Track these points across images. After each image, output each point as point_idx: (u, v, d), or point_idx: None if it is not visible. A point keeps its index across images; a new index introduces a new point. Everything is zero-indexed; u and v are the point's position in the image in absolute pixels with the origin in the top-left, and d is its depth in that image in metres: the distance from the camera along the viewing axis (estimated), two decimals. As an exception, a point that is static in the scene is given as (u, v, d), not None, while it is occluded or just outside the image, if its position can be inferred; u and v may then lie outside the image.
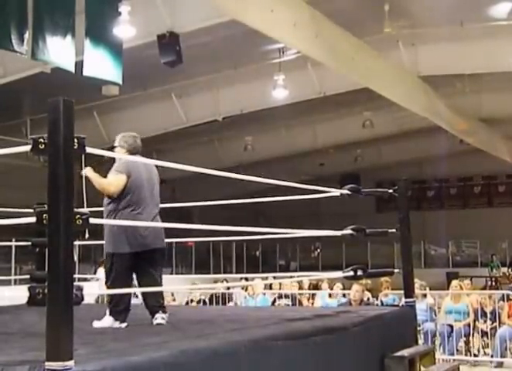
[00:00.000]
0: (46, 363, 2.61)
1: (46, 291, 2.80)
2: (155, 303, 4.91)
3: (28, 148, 2.98)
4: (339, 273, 5.48)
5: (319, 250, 30.47)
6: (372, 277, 5.55)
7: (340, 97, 16.63)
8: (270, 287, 11.43)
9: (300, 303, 10.16)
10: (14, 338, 4.18)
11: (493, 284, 20.18)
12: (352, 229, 5.43)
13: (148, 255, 4.97)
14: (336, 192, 5.66)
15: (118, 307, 4.89)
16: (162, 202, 5.25)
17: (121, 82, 10.61)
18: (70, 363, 2.61)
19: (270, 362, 3.67)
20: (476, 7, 12.02)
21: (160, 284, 5.03)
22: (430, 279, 13.01)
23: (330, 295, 9.97)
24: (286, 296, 10.21)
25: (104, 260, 5.17)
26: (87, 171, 4.86)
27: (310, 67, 15.32)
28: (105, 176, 5.05)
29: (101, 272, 14.44)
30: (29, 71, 11.86)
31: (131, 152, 5.09)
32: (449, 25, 13.13)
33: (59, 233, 2.66)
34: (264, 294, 10.61)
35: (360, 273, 5.32)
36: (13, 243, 8.59)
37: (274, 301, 10.26)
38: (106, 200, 5.02)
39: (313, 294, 10.27)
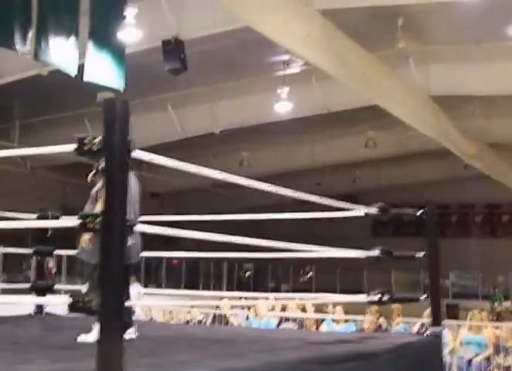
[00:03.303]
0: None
1: (86, 299, 2.82)
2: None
3: (71, 147, 2.96)
4: (362, 297, 5.46)
5: (311, 274, 30.42)
6: (397, 303, 5.53)
7: (344, 115, 16.71)
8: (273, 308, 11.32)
9: (305, 327, 10.10)
10: (31, 349, 4.14)
11: (496, 318, 20.08)
12: (378, 251, 5.42)
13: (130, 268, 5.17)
14: (360, 211, 5.66)
15: None
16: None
17: (122, 89, 10.57)
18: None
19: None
20: (493, 26, 12.10)
21: None
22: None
23: (335, 321, 9.94)
24: (291, 319, 10.14)
25: (85, 271, 5.16)
26: None
27: (315, 82, 15.41)
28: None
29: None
30: (25, 73, 11.86)
31: None
32: (464, 44, 13.23)
33: (113, 238, 2.64)
34: (269, 316, 10.53)
35: (385, 298, 5.31)
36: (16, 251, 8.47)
37: (280, 323, 10.19)
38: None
39: (321, 319, 10.21)
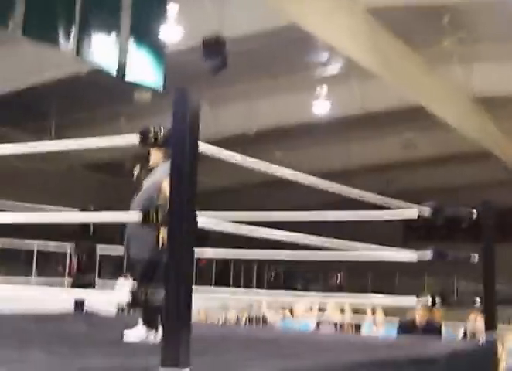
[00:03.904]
0: (161, 369, 2.57)
1: (149, 292, 2.77)
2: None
3: (136, 138, 2.90)
4: (413, 300, 5.34)
5: (340, 277, 30.25)
6: (450, 307, 5.40)
7: (380, 115, 16.55)
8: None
9: (346, 330, 9.98)
10: (82, 344, 4.10)
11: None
12: (431, 253, 5.27)
13: None
14: (413, 211, 5.52)
15: (154, 316, 4.81)
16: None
17: (162, 88, 10.52)
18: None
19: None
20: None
21: None
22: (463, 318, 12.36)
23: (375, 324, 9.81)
24: (330, 321, 10.02)
25: (137, 268, 5.08)
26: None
27: (353, 82, 15.30)
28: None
29: (122, 282, 14.42)
30: (64, 71, 11.92)
31: (167, 158, 5.07)
32: (511, 43, 12.98)
33: (181, 232, 2.57)
34: (306, 317, 10.44)
35: (438, 301, 5.17)
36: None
37: (318, 325, 10.08)
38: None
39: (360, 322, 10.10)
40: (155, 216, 2.82)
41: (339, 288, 28.88)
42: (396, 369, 3.90)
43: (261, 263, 25.88)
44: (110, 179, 20.76)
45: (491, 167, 21.05)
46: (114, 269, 18.72)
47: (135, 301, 2.81)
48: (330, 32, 9.70)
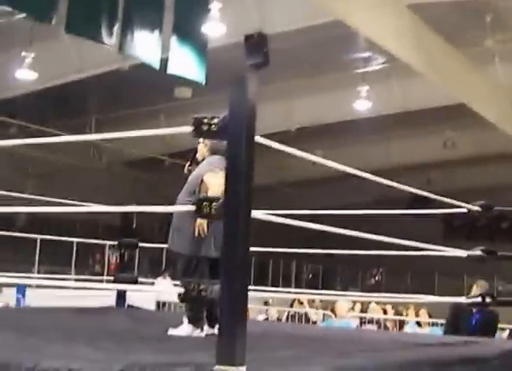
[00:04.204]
0: (216, 367, 2.50)
1: (201, 287, 2.72)
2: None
3: (189, 128, 2.86)
4: (462, 299, 5.26)
5: (379, 277, 30.01)
6: (501, 306, 5.25)
7: (421, 114, 16.37)
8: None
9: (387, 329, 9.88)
10: (128, 339, 4.07)
11: None
12: (481, 250, 5.17)
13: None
14: (462, 209, 5.43)
15: (199, 314, 4.76)
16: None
17: (204, 82, 10.55)
18: (243, 369, 2.49)
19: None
20: None
21: None
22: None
23: (419, 324, 9.69)
24: (372, 321, 9.94)
25: (179, 263, 5.03)
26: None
27: (394, 80, 15.16)
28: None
29: (161, 281, 14.45)
30: (106, 67, 11.98)
31: (212, 151, 5.03)
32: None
33: (237, 229, 2.51)
34: (348, 316, 10.36)
35: (488, 300, 5.07)
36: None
37: (361, 324, 9.99)
38: (188, 198, 4.83)
39: (400, 322, 9.98)
40: (208, 208, 2.77)
41: (378, 288, 28.61)
42: (449, 367, 3.81)
43: (299, 262, 25.80)
44: (149, 176, 20.87)
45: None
46: (152, 268, 18.82)
47: (187, 296, 2.76)
48: (375, 29, 9.57)
